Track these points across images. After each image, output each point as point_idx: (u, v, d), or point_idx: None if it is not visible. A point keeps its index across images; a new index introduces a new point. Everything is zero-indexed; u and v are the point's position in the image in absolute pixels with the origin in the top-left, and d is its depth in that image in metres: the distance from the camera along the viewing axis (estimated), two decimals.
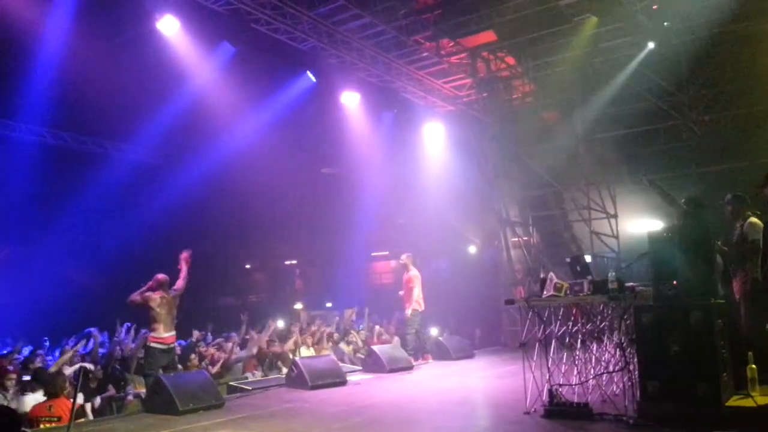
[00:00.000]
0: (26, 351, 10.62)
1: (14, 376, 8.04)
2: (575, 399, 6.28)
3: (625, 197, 14.08)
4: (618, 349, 6.31)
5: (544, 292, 6.63)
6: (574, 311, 6.85)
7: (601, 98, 13.59)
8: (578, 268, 6.89)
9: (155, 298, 8.21)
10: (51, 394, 7.16)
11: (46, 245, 16.11)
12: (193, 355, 10.01)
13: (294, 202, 19.69)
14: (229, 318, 16.37)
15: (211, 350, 10.55)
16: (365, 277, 23.98)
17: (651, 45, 12.30)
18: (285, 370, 9.80)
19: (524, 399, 6.38)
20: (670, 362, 5.55)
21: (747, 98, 12.65)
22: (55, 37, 11.18)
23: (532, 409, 6.31)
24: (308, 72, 12.92)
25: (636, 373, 5.82)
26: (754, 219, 6.54)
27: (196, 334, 11.50)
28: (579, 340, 6.78)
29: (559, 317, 6.85)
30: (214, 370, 9.75)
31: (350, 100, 13.71)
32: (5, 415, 4.29)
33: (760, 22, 11.81)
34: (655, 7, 12.02)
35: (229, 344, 10.72)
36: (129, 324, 10.46)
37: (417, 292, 11.25)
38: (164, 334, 8.21)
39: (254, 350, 10.71)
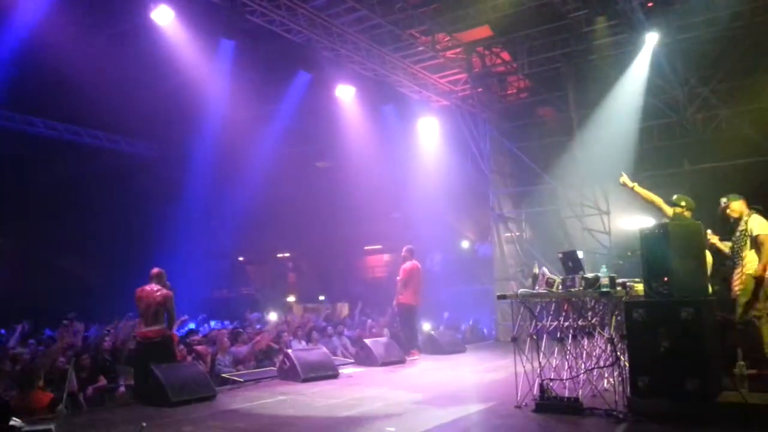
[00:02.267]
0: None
1: None
2: (566, 394, 6.32)
3: (618, 194, 14.10)
4: (609, 345, 6.36)
5: (536, 287, 6.66)
6: (565, 306, 6.88)
7: (596, 95, 13.61)
8: (570, 264, 6.91)
9: (137, 292, 8.11)
10: (24, 387, 7.08)
11: (38, 237, 16.07)
12: (181, 347, 9.80)
13: (287, 195, 19.67)
14: (220, 309, 16.42)
15: (200, 348, 10.36)
16: (358, 270, 24.03)
17: (646, 43, 12.31)
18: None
19: (515, 393, 6.41)
20: (660, 358, 5.59)
21: (741, 96, 12.70)
22: (50, 24, 11.08)
23: (523, 404, 6.35)
24: (302, 70, 12.94)
25: (626, 368, 5.87)
26: (757, 215, 6.61)
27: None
28: (570, 335, 6.81)
29: (551, 312, 6.88)
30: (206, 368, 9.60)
31: (345, 94, 13.69)
32: None
33: (756, 21, 11.83)
34: (650, 4, 12.02)
35: (224, 339, 10.66)
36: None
37: (411, 285, 11.17)
38: (143, 328, 8.06)
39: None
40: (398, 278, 11.32)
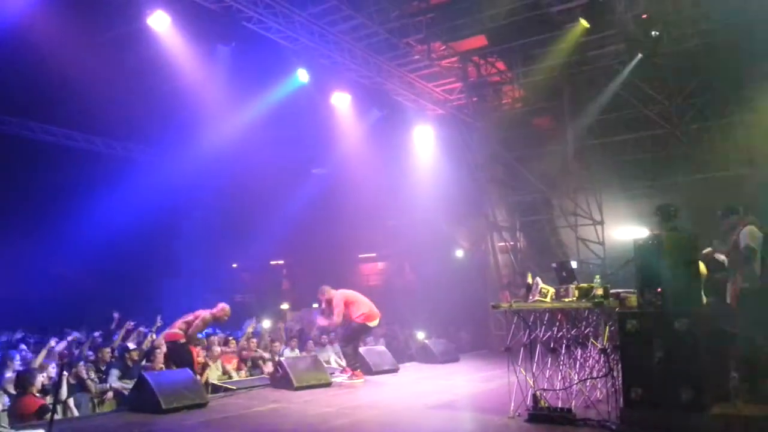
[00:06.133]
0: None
1: None
2: (559, 404, 6.30)
3: (612, 204, 14.18)
4: (602, 355, 6.35)
5: (530, 297, 6.66)
6: (559, 316, 6.88)
7: (590, 105, 13.68)
8: (564, 274, 6.92)
9: None
10: (18, 392, 7.02)
11: (29, 241, 15.95)
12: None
13: (283, 201, 19.63)
14: None
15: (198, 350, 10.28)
16: (352, 278, 23.95)
17: (640, 54, 12.38)
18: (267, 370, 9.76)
19: (508, 403, 6.39)
20: (654, 369, 5.59)
21: (734, 107, 12.78)
22: (45, 29, 11.06)
23: (516, 414, 6.32)
24: (300, 70, 12.91)
25: (619, 379, 5.86)
26: (751, 227, 6.51)
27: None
28: (564, 346, 6.81)
29: (545, 322, 6.88)
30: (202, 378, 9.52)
31: (341, 101, 13.70)
32: None
33: (749, 32, 11.92)
34: (645, 16, 12.10)
35: (215, 347, 10.58)
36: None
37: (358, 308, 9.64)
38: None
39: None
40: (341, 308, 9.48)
